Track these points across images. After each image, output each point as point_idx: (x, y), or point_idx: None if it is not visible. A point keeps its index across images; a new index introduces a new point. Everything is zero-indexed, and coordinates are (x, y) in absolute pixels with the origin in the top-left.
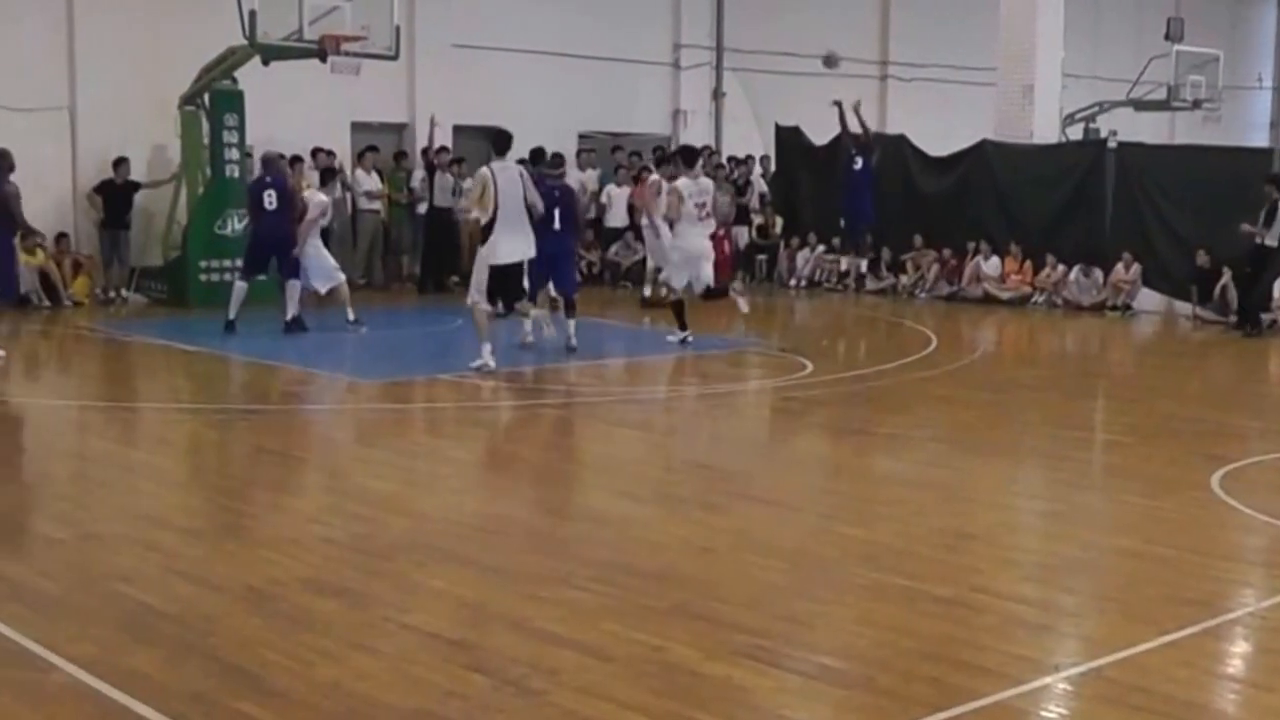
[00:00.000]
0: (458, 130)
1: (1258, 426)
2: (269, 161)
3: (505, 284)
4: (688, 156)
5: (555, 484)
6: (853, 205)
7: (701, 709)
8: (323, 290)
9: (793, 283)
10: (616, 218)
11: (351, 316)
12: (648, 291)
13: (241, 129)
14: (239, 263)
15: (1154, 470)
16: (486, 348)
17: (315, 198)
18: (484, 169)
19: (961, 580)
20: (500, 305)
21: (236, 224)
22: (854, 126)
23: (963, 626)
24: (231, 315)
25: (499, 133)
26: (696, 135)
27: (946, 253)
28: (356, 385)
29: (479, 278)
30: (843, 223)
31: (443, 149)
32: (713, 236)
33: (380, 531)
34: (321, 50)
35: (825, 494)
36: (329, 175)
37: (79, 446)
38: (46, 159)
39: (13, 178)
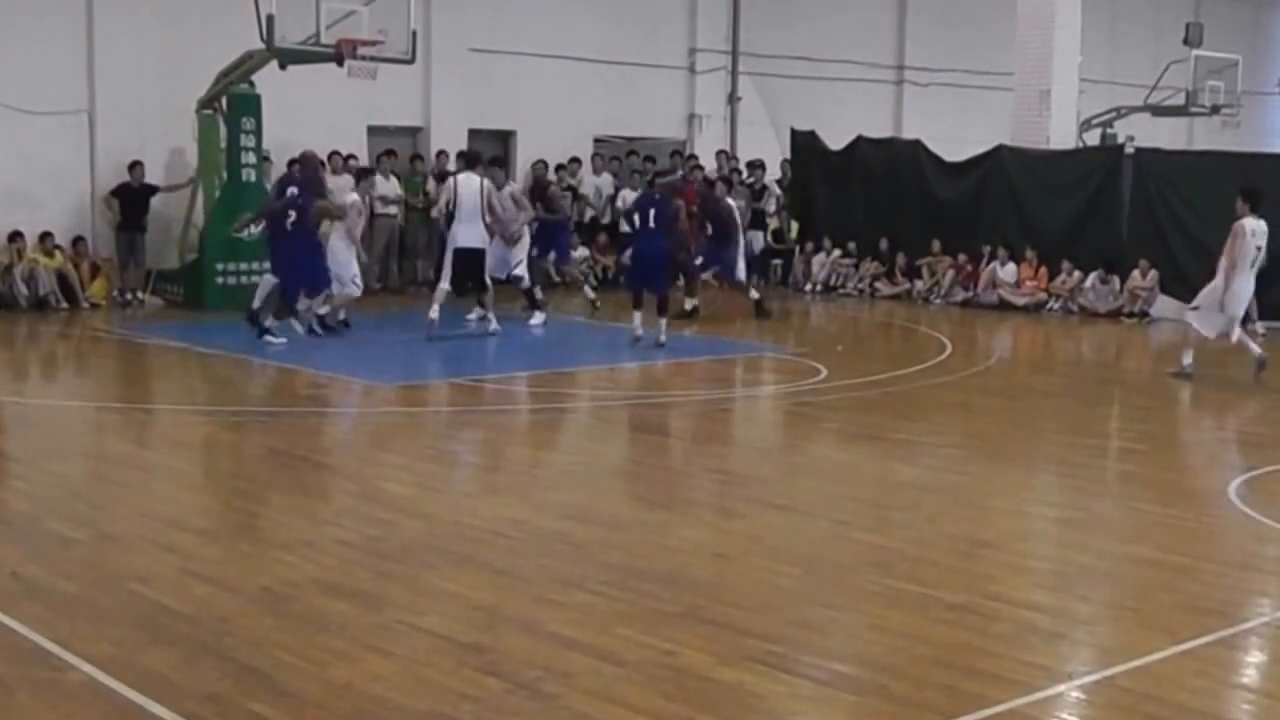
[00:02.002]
0: (473, 134)
1: (1275, 435)
2: (301, 160)
3: (468, 269)
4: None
5: (569, 487)
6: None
7: (713, 714)
8: (333, 292)
9: (808, 287)
10: None
11: (323, 311)
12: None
13: (259, 132)
14: (255, 265)
15: (1170, 478)
16: (435, 308)
17: (346, 198)
18: (450, 179)
19: (976, 587)
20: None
21: (253, 227)
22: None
23: (976, 634)
24: (256, 304)
25: (468, 152)
26: (712, 140)
27: (961, 258)
28: (371, 388)
29: (446, 261)
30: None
31: (441, 153)
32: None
33: (394, 534)
34: (338, 54)
35: (839, 500)
36: (364, 175)
37: (96, 448)
38: (65, 162)
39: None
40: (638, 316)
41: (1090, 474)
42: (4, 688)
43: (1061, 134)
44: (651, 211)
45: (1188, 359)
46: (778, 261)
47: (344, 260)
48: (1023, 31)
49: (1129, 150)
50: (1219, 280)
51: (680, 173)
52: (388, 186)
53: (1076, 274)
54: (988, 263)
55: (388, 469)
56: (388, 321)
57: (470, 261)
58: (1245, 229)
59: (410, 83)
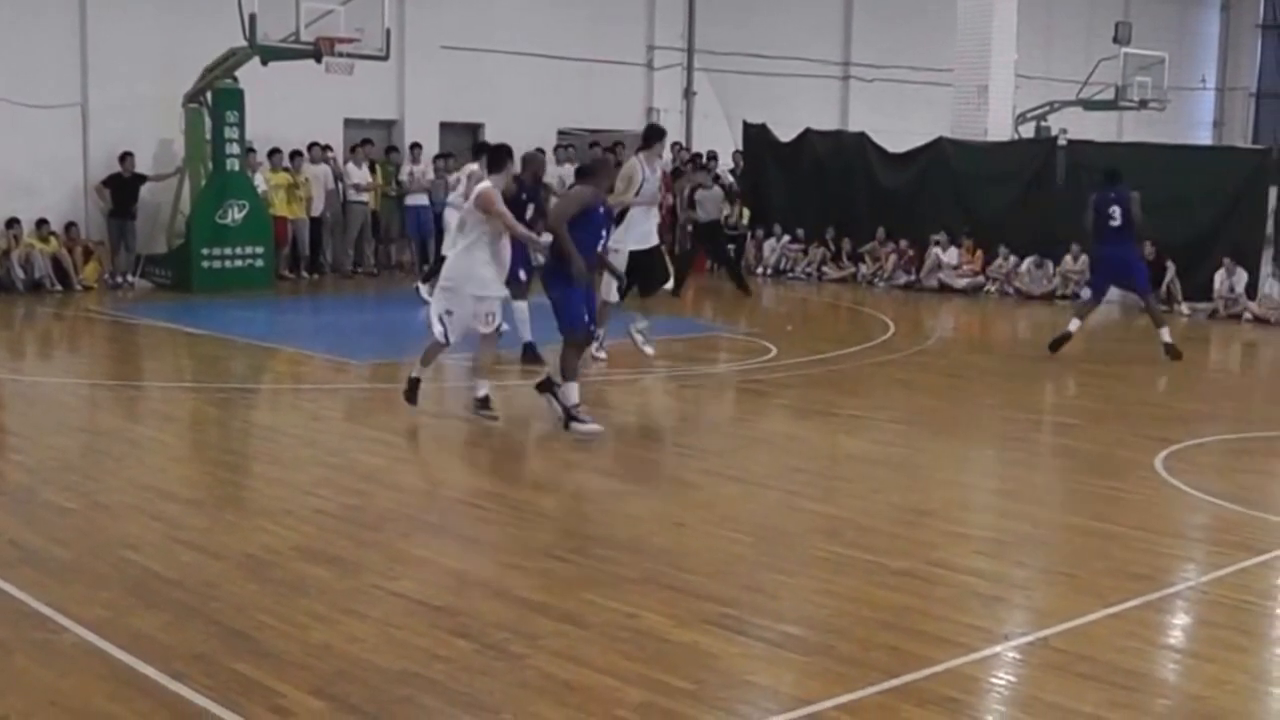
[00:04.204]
0: (444, 127)
1: (1199, 410)
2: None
3: (647, 269)
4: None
5: (535, 460)
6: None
7: (671, 673)
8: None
9: (759, 271)
10: None
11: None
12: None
13: (242, 125)
14: (239, 250)
15: (1101, 451)
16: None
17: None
18: (634, 158)
19: (918, 554)
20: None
21: (237, 214)
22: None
23: (919, 597)
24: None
25: (651, 126)
26: (669, 132)
27: (903, 244)
28: (348, 366)
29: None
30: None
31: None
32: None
33: (370, 504)
34: (317, 51)
35: (790, 471)
36: (497, 157)
37: (89, 422)
38: (60, 153)
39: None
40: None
41: (1026, 447)
42: (2, 649)
43: (998, 127)
44: (1118, 210)
45: None
46: (730, 246)
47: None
48: (962, 30)
49: (1062, 142)
50: None
51: None
52: (360, 175)
53: (1013, 258)
54: (930, 248)
55: (364, 442)
56: (364, 302)
57: (650, 260)
58: None
59: (385, 78)
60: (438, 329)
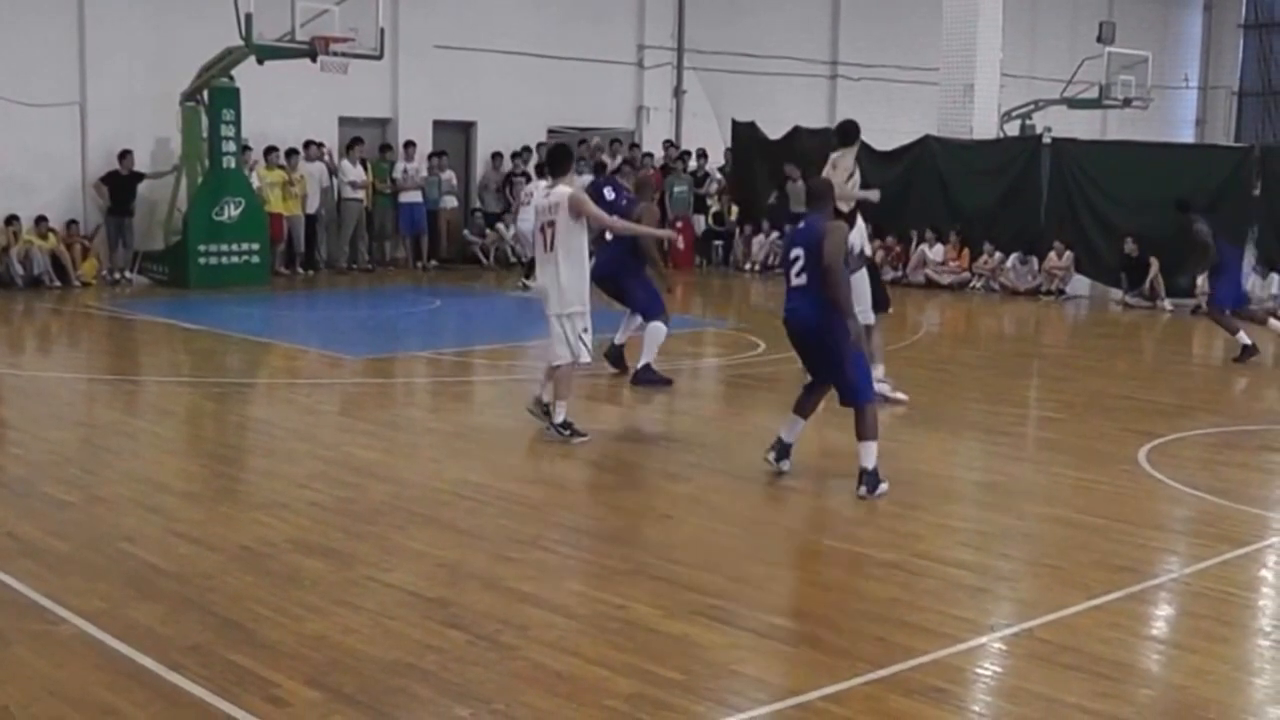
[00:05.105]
0: (437, 125)
1: (1182, 404)
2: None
3: (875, 282)
4: None
5: (526, 453)
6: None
7: (660, 663)
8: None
9: (748, 267)
10: None
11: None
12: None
13: (238, 123)
14: (235, 247)
15: (1085, 445)
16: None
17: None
18: (841, 155)
19: (904, 546)
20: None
21: (233, 211)
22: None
23: (905, 589)
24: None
25: (849, 121)
26: (659, 130)
27: (890, 240)
28: (342, 361)
29: (859, 288)
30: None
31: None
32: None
33: (364, 496)
34: (312, 50)
35: None
36: (558, 159)
37: (86, 416)
38: (59, 151)
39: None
40: None
41: (1011, 440)
42: (1, 640)
43: (984, 125)
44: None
45: None
46: (719, 243)
47: (581, 289)
48: (948, 29)
49: (1046, 140)
50: None
51: None
52: (355, 172)
53: (998, 255)
54: (916, 244)
55: (358, 436)
56: (358, 298)
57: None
58: None
59: (379, 77)
60: (584, 354)
